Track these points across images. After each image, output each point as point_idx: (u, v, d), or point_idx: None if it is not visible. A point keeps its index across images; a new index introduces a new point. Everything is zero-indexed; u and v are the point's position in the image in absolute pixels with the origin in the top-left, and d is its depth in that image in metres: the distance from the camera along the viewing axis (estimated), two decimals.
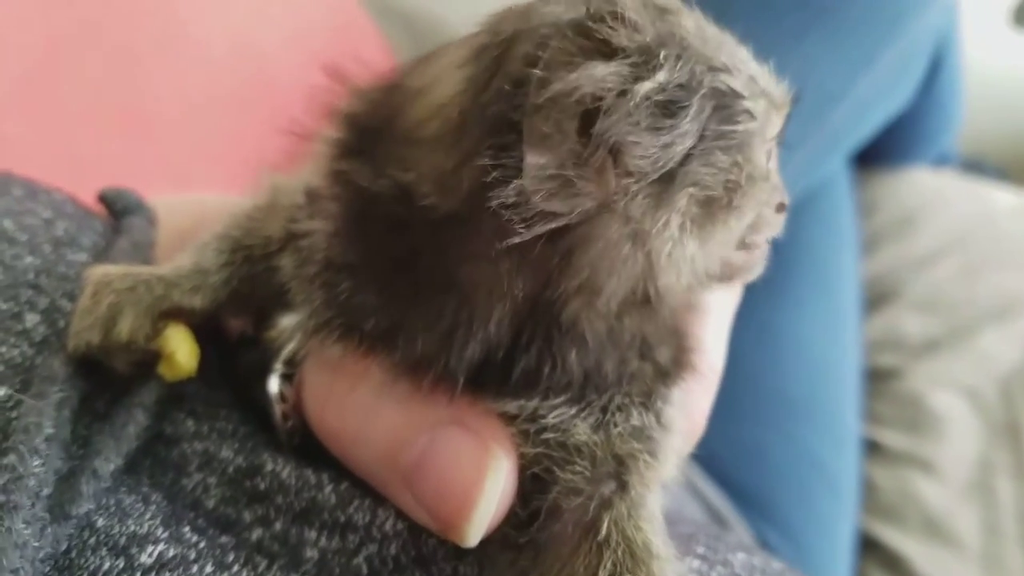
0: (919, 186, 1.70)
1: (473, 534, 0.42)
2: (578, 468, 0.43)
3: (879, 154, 1.65)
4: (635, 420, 0.44)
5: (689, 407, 0.49)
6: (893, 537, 1.39)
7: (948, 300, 1.58)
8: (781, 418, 1.35)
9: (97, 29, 1.08)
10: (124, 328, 0.46)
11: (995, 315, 1.54)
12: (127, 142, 1.07)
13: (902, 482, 1.44)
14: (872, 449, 1.49)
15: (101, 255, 0.54)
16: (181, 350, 0.47)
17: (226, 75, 1.20)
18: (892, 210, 1.68)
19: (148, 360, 0.48)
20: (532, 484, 0.44)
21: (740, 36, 1.33)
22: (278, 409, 0.49)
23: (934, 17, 1.40)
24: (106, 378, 0.48)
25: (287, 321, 0.48)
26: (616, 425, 0.44)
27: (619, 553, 0.41)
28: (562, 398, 0.43)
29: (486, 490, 0.41)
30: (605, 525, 0.42)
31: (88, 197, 0.65)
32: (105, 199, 0.64)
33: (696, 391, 0.50)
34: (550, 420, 0.43)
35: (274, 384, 0.49)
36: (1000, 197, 1.71)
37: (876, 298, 1.62)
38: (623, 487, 0.43)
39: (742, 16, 1.39)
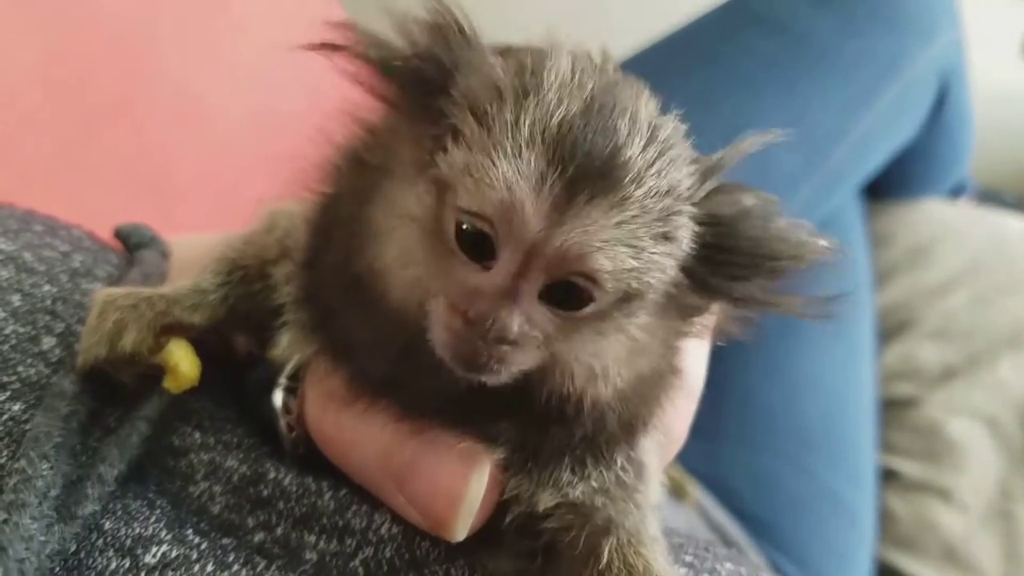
0: (932, 217, 1.71)
1: (460, 529, 0.45)
2: (562, 516, 0.46)
3: (891, 187, 1.67)
4: (595, 481, 0.47)
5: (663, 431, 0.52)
6: (912, 566, 1.39)
7: (963, 328, 1.58)
8: (796, 450, 1.36)
9: (126, 104, 1.15)
10: (128, 341, 0.50)
11: (1011, 342, 1.54)
12: (154, 205, 1.13)
13: (920, 510, 1.44)
14: (890, 478, 1.49)
15: (113, 284, 0.59)
16: (184, 362, 0.51)
17: (242, 142, 1.27)
18: (906, 241, 1.69)
19: (154, 374, 0.51)
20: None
21: (738, 80, 1.37)
22: (283, 421, 0.52)
23: (937, 53, 1.42)
24: (118, 397, 0.52)
25: (289, 339, 0.53)
26: (585, 483, 0.47)
27: None
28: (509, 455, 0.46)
29: (471, 487, 0.45)
30: (606, 553, 0.45)
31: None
32: (120, 234, 0.69)
33: (670, 415, 0.52)
34: (509, 490, 0.46)
35: (278, 397, 0.52)
36: (1013, 225, 1.71)
37: (892, 328, 1.62)
38: (614, 518, 0.46)
39: (739, 60, 1.44)
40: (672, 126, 0.42)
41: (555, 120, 0.38)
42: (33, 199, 0.66)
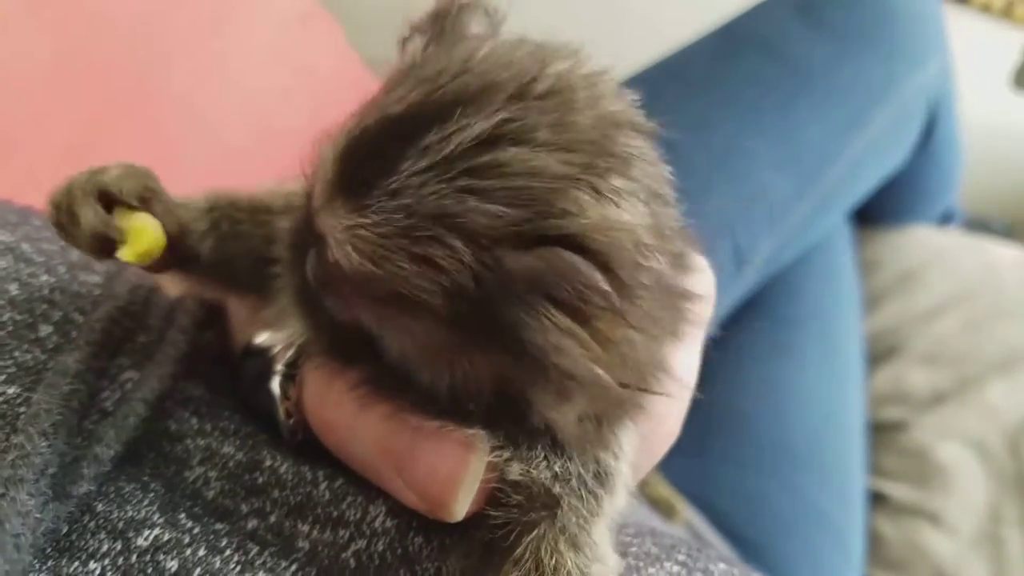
0: (921, 242, 1.73)
1: (459, 510, 0.45)
2: (513, 501, 0.45)
3: (881, 213, 1.69)
4: (558, 467, 0.46)
5: (649, 432, 0.51)
6: None
7: (953, 353, 1.59)
8: (786, 471, 1.36)
9: (133, 109, 1.16)
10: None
11: (1000, 367, 1.55)
12: None
13: (910, 535, 1.44)
14: (879, 502, 1.49)
15: (113, 278, 0.59)
16: (148, 226, 0.50)
17: (246, 152, 1.27)
18: (895, 266, 1.70)
19: (108, 246, 0.51)
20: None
21: (733, 105, 1.37)
22: (281, 407, 0.52)
23: (927, 80, 1.44)
24: (115, 380, 0.52)
25: (281, 331, 0.53)
26: (548, 468, 0.45)
27: (526, 569, 0.43)
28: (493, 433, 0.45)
29: (471, 467, 0.44)
30: (522, 546, 0.44)
31: None
32: None
33: (660, 415, 0.50)
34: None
35: (276, 383, 0.52)
36: (1002, 251, 1.73)
37: (881, 352, 1.63)
38: (552, 517, 0.45)
39: (734, 85, 1.46)
40: None
41: None
42: (38, 199, 0.66)
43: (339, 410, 0.49)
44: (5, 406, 0.47)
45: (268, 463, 0.51)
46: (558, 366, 0.36)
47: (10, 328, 0.51)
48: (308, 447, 0.52)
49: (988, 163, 1.86)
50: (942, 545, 1.41)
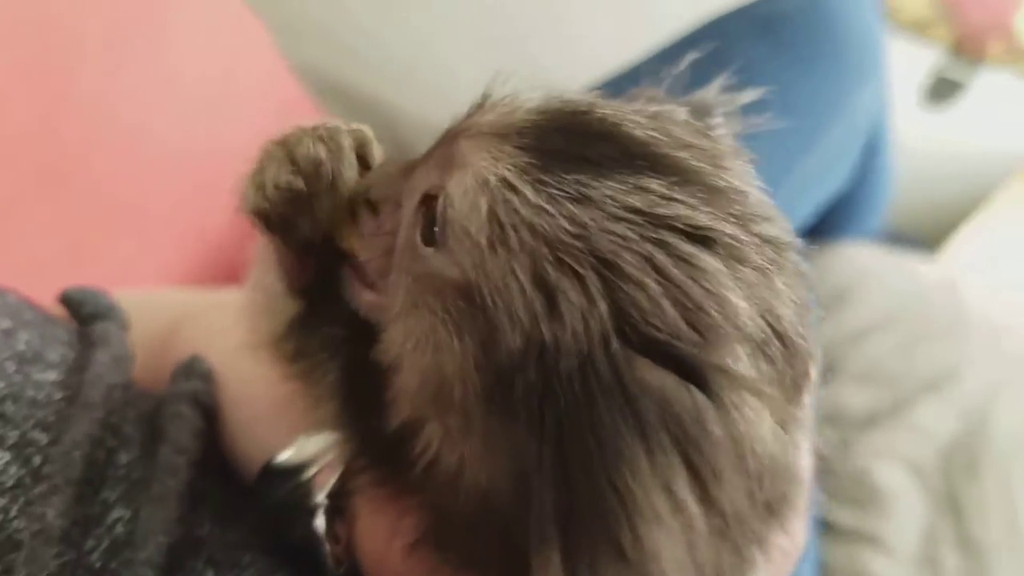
0: (850, 262, 1.72)
1: None
2: None
3: (816, 230, 1.68)
4: None
5: None
6: None
7: (886, 373, 1.59)
8: None
9: (102, 132, 1.05)
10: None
11: (930, 388, 1.57)
12: (79, 227, 0.99)
13: (853, 559, 1.43)
14: (824, 527, 1.47)
15: (75, 372, 0.45)
16: None
17: (179, 171, 1.15)
18: (826, 284, 1.70)
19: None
20: None
21: None
22: (330, 552, 0.41)
23: (871, 96, 1.43)
24: (102, 522, 0.39)
25: (316, 442, 0.42)
26: None
27: None
28: None
29: None
30: None
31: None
32: (69, 302, 0.55)
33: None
34: None
35: (321, 522, 0.41)
36: (927, 270, 1.75)
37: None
38: None
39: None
40: None
41: None
42: None
43: (410, 560, 0.38)
44: None
45: None
46: (639, 537, 0.27)
47: None
48: None
49: (903, 178, 1.87)
50: (884, 569, 1.41)
